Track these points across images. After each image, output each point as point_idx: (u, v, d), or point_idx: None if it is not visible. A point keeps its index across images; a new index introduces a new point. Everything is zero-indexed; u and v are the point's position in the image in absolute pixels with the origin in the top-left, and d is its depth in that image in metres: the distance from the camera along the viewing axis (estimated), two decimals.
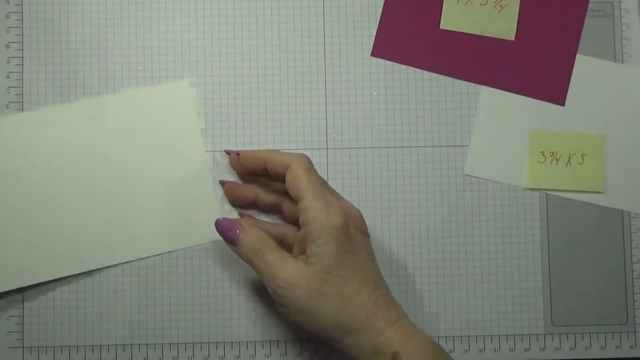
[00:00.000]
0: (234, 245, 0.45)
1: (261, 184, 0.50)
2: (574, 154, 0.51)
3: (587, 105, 0.51)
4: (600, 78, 0.52)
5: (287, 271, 0.42)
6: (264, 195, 0.49)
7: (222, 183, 0.50)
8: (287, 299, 0.42)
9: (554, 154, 0.51)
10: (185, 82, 0.50)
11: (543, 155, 0.51)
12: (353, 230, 0.43)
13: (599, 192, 0.51)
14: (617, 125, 0.51)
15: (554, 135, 0.51)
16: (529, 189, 0.51)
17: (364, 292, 0.42)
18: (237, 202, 0.50)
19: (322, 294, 0.42)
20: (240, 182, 0.50)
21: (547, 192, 0.51)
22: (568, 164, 0.50)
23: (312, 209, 0.42)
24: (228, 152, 0.50)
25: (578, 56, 0.52)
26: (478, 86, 0.52)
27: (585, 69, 0.52)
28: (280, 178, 0.45)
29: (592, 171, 0.51)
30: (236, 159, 0.49)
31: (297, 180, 0.43)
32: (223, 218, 0.46)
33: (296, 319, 0.43)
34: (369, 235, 0.45)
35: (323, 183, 0.45)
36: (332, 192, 0.46)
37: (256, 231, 0.45)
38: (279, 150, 0.49)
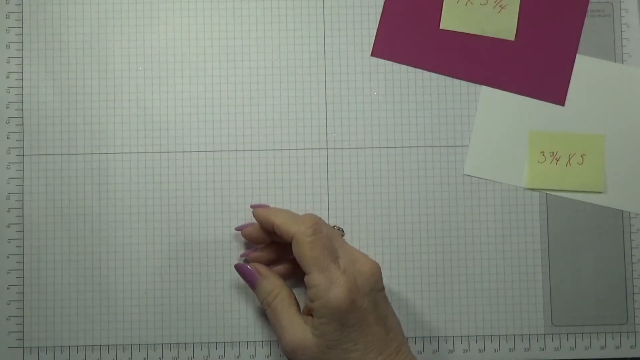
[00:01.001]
0: (252, 289, 0.48)
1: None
2: (574, 154, 0.51)
3: (587, 105, 0.51)
4: (600, 78, 0.52)
5: (293, 335, 0.44)
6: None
7: (241, 229, 0.49)
8: (291, 358, 0.44)
9: (554, 154, 0.51)
10: None
11: (543, 155, 0.51)
12: (360, 302, 0.42)
13: (599, 192, 0.51)
14: (617, 125, 0.51)
15: (554, 135, 0.51)
16: (529, 189, 0.51)
17: (367, 359, 0.42)
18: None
19: None
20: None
21: (547, 192, 0.51)
22: (568, 164, 0.50)
23: (316, 289, 0.42)
24: (239, 229, 0.49)
25: (578, 56, 0.52)
26: (478, 86, 0.52)
27: (585, 69, 0.52)
28: (289, 243, 0.45)
29: (592, 171, 0.51)
30: (248, 233, 0.48)
31: (301, 254, 0.43)
32: (242, 263, 0.48)
33: None
34: (383, 288, 0.44)
35: (330, 246, 0.44)
36: (342, 252, 0.44)
37: (272, 280, 0.46)
38: (287, 211, 0.48)
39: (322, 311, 0.42)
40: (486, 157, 0.51)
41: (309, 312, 0.44)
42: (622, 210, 0.51)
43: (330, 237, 0.44)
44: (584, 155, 0.51)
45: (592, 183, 0.51)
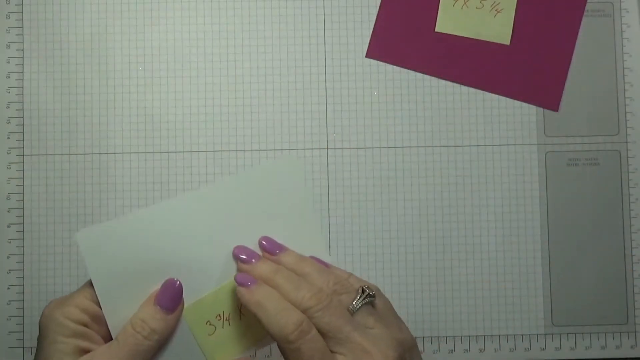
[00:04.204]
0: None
1: None
2: None
3: None
4: None
5: None
6: None
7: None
8: None
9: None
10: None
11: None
12: None
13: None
14: None
15: None
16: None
17: None
18: None
19: None
20: None
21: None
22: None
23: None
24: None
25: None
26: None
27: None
28: None
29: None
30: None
31: None
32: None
33: None
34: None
35: (321, 349, 0.36)
36: (348, 347, 0.36)
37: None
38: (273, 296, 0.38)
39: None
40: None
41: None
42: (622, 210, 0.51)
43: (328, 330, 0.36)
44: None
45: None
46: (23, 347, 0.50)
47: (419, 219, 0.51)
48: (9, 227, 0.51)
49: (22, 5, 0.52)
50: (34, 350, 0.50)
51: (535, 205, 0.51)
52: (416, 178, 0.51)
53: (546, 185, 0.52)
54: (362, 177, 0.51)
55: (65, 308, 0.37)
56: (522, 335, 0.51)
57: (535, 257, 0.51)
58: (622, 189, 0.52)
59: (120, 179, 0.51)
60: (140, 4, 0.52)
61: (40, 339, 0.37)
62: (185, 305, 0.39)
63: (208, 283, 0.40)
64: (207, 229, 0.40)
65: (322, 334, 0.36)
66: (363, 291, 0.38)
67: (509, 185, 0.52)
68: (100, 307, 0.38)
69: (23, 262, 0.50)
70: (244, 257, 0.40)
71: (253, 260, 0.39)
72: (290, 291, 0.37)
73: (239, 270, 0.40)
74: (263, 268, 0.39)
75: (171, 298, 0.38)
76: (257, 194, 0.41)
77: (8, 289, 0.50)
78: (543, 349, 0.51)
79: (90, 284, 0.38)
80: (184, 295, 0.39)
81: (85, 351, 0.36)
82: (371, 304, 0.38)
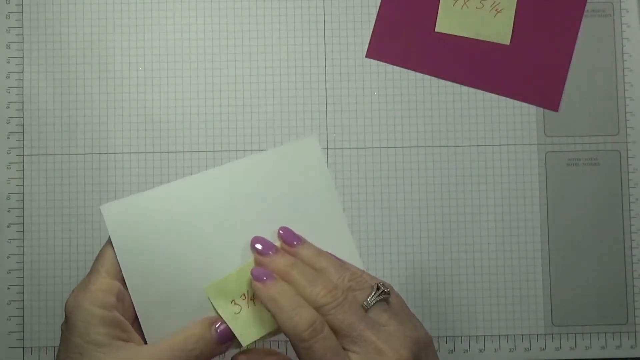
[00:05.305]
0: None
1: None
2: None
3: None
4: None
5: None
6: None
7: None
8: None
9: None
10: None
11: None
12: None
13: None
14: None
15: None
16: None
17: None
18: None
19: None
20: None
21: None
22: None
23: None
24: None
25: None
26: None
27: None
28: None
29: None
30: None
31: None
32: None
33: None
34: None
35: (334, 348, 0.36)
36: (361, 344, 0.36)
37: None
38: (289, 292, 0.37)
39: None
40: None
41: None
42: (622, 211, 0.51)
43: (342, 328, 0.36)
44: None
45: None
46: (23, 347, 0.50)
47: (419, 219, 0.51)
48: (9, 227, 0.51)
49: (22, 5, 0.52)
50: (34, 350, 0.50)
51: (535, 205, 0.51)
52: (416, 178, 0.51)
53: (546, 185, 0.52)
54: (362, 177, 0.51)
55: (90, 294, 0.36)
56: (522, 335, 0.51)
57: (535, 257, 0.51)
58: (622, 189, 0.52)
59: (120, 179, 0.51)
60: (140, 4, 0.52)
61: (70, 329, 0.36)
62: (209, 283, 0.39)
63: (231, 261, 0.39)
64: (229, 206, 0.40)
65: (336, 331, 0.36)
66: (378, 288, 0.37)
67: (509, 185, 0.52)
68: (120, 282, 0.38)
69: (23, 262, 0.50)
70: (261, 248, 0.39)
71: (270, 253, 0.39)
72: (305, 287, 0.37)
73: (255, 261, 0.39)
74: (280, 262, 0.39)
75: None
76: (277, 175, 0.41)
77: (8, 289, 0.50)
78: (543, 349, 0.51)
79: (101, 260, 0.38)
80: (209, 273, 0.39)
81: (116, 337, 0.36)
82: (385, 300, 0.38)
